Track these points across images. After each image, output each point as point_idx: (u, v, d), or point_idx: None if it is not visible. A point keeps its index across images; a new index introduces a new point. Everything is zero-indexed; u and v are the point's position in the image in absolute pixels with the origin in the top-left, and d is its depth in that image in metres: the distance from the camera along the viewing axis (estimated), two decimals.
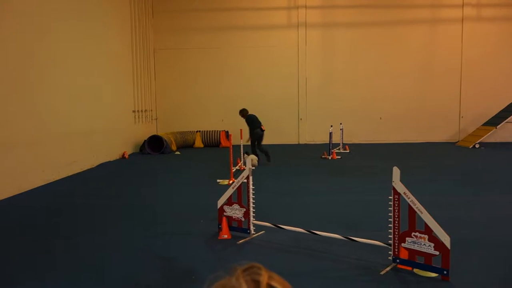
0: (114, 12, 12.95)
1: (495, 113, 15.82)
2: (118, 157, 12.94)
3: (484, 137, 14.70)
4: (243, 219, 5.16)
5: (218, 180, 8.85)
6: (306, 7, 16.56)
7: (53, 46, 9.37)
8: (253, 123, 11.48)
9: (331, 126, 12.89)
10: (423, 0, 16.45)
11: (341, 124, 14.65)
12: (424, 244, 3.88)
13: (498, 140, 16.15)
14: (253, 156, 10.67)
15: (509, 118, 14.64)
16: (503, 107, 15.82)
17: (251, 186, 5.10)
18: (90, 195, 7.86)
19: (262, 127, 11.46)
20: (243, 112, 11.76)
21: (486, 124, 15.56)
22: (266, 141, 16.50)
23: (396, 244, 4.08)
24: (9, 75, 7.84)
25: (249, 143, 11.55)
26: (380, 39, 16.60)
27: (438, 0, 16.46)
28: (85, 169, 10.68)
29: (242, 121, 11.92)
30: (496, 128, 14.67)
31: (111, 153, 12.46)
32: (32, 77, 8.54)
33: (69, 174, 9.86)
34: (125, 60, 13.91)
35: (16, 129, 7.97)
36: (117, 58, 13.16)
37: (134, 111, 14.53)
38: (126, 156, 13.07)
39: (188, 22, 16.81)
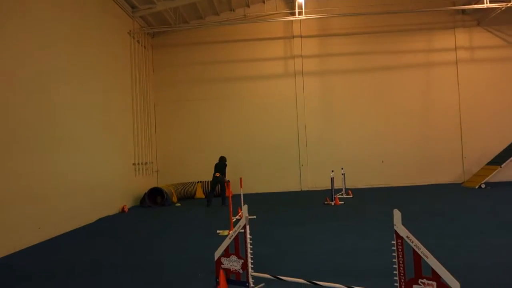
0: (115, 68, 13.28)
1: (498, 152, 15.72)
2: (117, 211, 12.73)
3: (489, 177, 14.48)
4: (241, 271, 4.91)
5: (218, 231, 8.61)
6: (302, 57, 16.98)
7: (52, 100, 9.49)
8: (214, 170, 13.23)
9: (332, 171, 12.74)
10: (417, 44, 16.87)
11: (342, 169, 14.52)
12: None
13: (504, 179, 15.95)
14: None
15: None
16: (505, 145, 15.75)
17: (248, 236, 4.90)
18: (86, 252, 7.60)
19: (216, 174, 12.97)
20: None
21: (490, 163, 15.39)
22: (268, 189, 16.55)
23: None
24: (6, 131, 7.87)
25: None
26: (378, 84, 16.86)
27: (431, 44, 16.87)
28: (83, 225, 10.46)
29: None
30: (500, 167, 14.47)
31: (110, 207, 12.28)
32: (28, 132, 8.56)
33: (67, 231, 9.63)
34: (126, 114, 14.08)
35: (11, 186, 7.87)
36: (118, 112, 13.33)
37: (134, 164, 14.49)
38: (126, 209, 12.86)
39: (187, 75, 17.23)
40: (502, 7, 14.76)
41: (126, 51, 14.39)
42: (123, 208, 12.85)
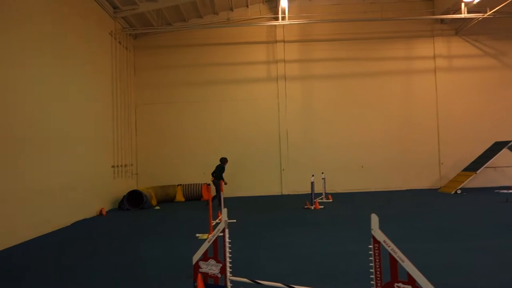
0: (95, 69, 13.07)
1: (474, 159, 16.09)
2: (95, 214, 12.51)
3: (465, 183, 14.80)
4: (219, 275, 4.87)
5: (197, 235, 8.54)
6: (284, 61, 17.07)
7: (28, 99, 9.28)
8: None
9: (313, 175, 12.82)
10: (397, 52, 17.17)
11: (322, 173, 14.64)
12: None
13: (479, 185, 16.36)
14: None
15: (487, 163, 14.84)
16: (481, 151, 16.13)
17: (227, 240, 4.87)
18: (60, 256, 7.43)
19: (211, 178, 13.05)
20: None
21: (466, 169, 15.73)
22: (249, 192, 16.54)
23: None
24: None
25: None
26: (358, 90, 17.09)
27: (410, 52, 17.19)
28: (58, 228, 10.23)
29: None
30: (476, 173, 14.81)
31: (87, 210, 12.05)
32: (3, 132, 8.34)
33: (40, 234, 9.39)
34: (105, 115, 13.86)
35: None
36: (97, 113, 13.11)
37: (113, 166, 14.27)
38: (104, 212, 12.64)
39: (169, 77, 17.11)
40: (479, 17, 15.18)
41: (107, 51, 14.19)
42: (101, 211, 12.64)
